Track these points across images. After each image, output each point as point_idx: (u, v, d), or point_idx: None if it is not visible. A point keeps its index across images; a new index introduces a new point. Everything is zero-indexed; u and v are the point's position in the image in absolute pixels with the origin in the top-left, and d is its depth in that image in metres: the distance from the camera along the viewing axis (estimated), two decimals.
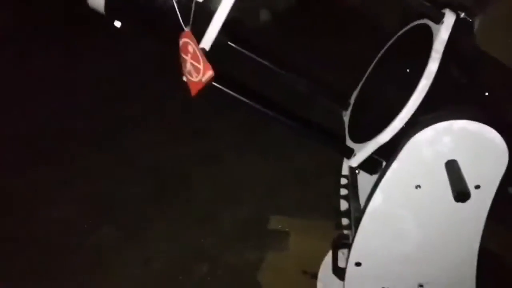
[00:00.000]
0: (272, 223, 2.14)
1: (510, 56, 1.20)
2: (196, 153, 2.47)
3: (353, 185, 1.39)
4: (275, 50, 1.36)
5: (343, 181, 1.46)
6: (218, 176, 2.35)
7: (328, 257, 1.73)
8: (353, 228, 1.28)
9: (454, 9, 1.06)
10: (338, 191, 1.48)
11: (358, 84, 1.37)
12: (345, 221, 1.40)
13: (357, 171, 1.25)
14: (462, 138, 0.99)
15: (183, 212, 2.18)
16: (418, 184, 1.06)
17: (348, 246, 1.43)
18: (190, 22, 0.90)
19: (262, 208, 2.18)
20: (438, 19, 1.04)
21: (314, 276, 1.75)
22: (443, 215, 1.12)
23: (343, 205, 1.44)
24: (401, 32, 1.23)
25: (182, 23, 0.91)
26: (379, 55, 1.30)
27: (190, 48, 0.92)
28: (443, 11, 1.06)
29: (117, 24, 1.03)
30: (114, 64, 3.04)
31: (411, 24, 1.18)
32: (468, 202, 1.00)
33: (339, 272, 1.53)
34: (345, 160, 1.39)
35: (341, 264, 1.50)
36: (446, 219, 1.13)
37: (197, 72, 0.93)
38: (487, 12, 1.74)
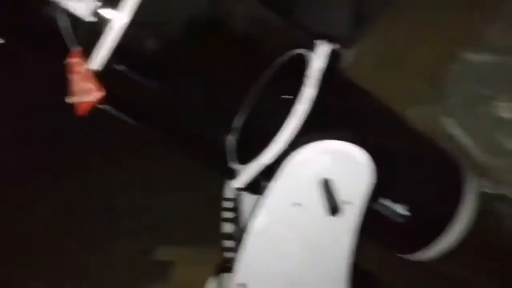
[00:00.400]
0: (158, 254, 2.12)
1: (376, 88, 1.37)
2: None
3: (235, 208, 1.46)
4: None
5: (227, 204, 1.52)
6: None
7: (209, 283, 1.79)
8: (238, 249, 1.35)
9: (328, 41, 1.16)
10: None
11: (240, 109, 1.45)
12: (230, 243, 1.44)
13: (239, 193, 1.31)
14: (335, 157, 1.07)
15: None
16: (297, 202, 1.11)
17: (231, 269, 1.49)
18: (77, 42, 0.90)
19: (150, 240, 2.18)
20: (312, 49, 1.13)
21: None
22: (319, 232, 1.17)
23: (228, 228, 1.49)
24: (277, 60, 1.32)
25: (69, 43, 0.90)
26: (259, 81, 1.39)
27: (78, 68, 0.92)
28: (316, 41, 1.15)
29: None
30: None
31: (287, 54, 1.24)
32: (341, 217, 1.11)
33: None
34: (228, 182, 1.45)
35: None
36: (322, 235, 1.18)
37: (86, 93, 0.92)
38: (359, 46, 1.95)
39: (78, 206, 2.27)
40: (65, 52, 0.92)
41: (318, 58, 1.12)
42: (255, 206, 1.14)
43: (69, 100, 0.99)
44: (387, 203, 1.22)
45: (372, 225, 1.19)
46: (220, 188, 1.50)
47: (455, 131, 1.78)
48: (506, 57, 1.70)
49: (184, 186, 2.36)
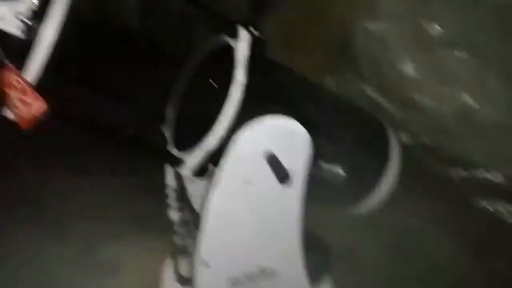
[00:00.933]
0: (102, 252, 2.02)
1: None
2: None
3: (183, 194, 1.50)
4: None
5: (170, 192, 1.56)
6: None
7: (166, 273, 1.82)
8: (194, 232, 1.40)
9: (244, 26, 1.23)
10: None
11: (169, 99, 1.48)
12: (182, 229, 1.48)
13: (181, 180, 1.36)
14: (274, 132, 1.16)
15: None
16: (247, 179, 1.19)
17: (187, 254, 1.55)
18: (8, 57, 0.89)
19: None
20: (235, 34, 1.20)
21: None
22: (271, 204, 1.27)
23: (174, 215, 1.52)
24: (202, 48, 1.36)
25: (2, 56, 0.89)
26: (185, 69, 1.40)
27: (15, 83, 0.91)
28: (236, 26, 1.22)
29: None
30: None
31: (211, 41, 1.32)
32: (289, 185, 1.20)
33: (181, 278, 1.63)
34: (169, 171, 1.48)
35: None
36: (274, 206, 1.27)
37: (27, 106, 0.92)
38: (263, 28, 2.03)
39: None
40: None
41: (243, 44, 1.19)
42: (208, 188, 1.21)
43: (9, 114, 0.99)
44: (324, 165, 1.33)
45: (315, 188, 1.27)
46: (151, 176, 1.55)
47: (371, 93, 1.96)
48: (400, 23, 1.92)
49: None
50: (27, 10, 0.88)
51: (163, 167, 1.50)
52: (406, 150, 1.57)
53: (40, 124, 0.94)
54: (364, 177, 1.47)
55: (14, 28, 0.88)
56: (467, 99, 1.93)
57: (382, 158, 1.48)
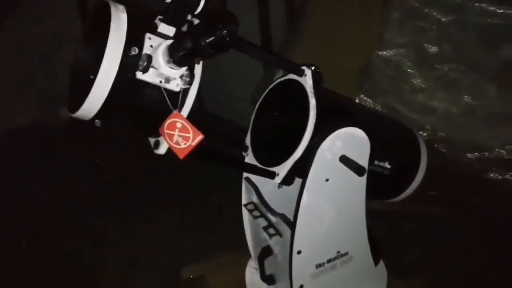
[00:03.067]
0: (184, 274, 2.20)
1: None
2: None
3: (265, 205, 1.79)
4: None
5: (249, 207, 1.83)
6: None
7: (249, 276, 2.04)
8: (282, 230, 1.67)
9: (306, 66, 1.53)
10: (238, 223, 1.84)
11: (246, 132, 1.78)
12: (272, 231, 1.69)
13: (279, 187, 1.65)
14: (346, 139, 1.45)
15: None
16: (327, 178, 1.47)
17: (271, 253, 1.81)
18: (178, 106, 1.21)
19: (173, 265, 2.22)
20: (302, 73, 1.50)
21: None
22: (343, 195, 1.55)
23: (262, 222, 1.76)
24: (272, 85, 1.65)
25: (171, 107, 1.21)
26: (258, 103, 1.69)
27: (178, 124, 1.21)
28: (302, 67, 1.51)
29: (97, 123, 1.23)
30: None
31: (280, 79, 1.61)
32: (359, 179, 1.49)
33: (268, 279, 1.89)
34: (246, 191, 1.79)
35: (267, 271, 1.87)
36: (345, 197, 1.55)
37: (186, 139, 1.21)
38: None
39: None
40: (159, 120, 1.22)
41: (309, 78, 1.49)
42: (299, 190, 1.49)
43: (162, 151, 1.29)
44: (377, 162, 1.62)
45: (370, 180, 1.55)
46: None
47: (392, 103, 2.33)
48: (406, 48, 2.35)
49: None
50: (184, 74, 1.21)
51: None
52: (428, 145, 1.88)
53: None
54: (405, 169, 1.78)
55: (175, 86, 1.21)
56: (468, 99, 2.31)
57: (415, 153, 1.80)
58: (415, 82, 2.34)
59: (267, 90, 1.68)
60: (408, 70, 2.33)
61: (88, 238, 2.39)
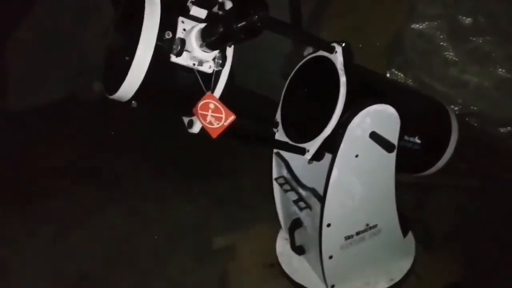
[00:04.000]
0: (215, 243, 2.21)
1: None
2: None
3: (296, 179, 1.82)
4: None
5: (280, 180, 1.85)
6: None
7: (279, 246, 2.09)
8: (312, 203, 1.70)
9: (337, 42, 1.51)
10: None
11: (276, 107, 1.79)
12: (302, 204, 1.71)
13: (309, 162, 1.68)
14: (376, 116, 1.45)
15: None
16: (356, 154, 1.49)
17: (301, 225, 1.85)
18: (211, 87, 1.24)
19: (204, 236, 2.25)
20: (332, 50, 1.49)
21: (273, 265, 2.01)
22: (373, 170, 1.56)
23: (292, 195, 1.78)
24: (303, 61, 1.65)
25: (204, 89, 1.23)
26: (288, 80, 1.70)
27: (211, 105, 1.24)
28: (332, 44, 1.50)
29: (134, 104, 1.28)
30: None
31: (311, 56, 1.61)
32: (387, 155, 1.52)
33: (298, 249, 1.95)
34: (277, 165, 1.82)
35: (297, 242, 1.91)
36: (374, 172, 1.57)
37: (219, 120, 1.24)
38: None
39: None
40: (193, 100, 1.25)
41: (340, 55, 1.48)
42: (329, 166, 1.51)
43: (195, 130, 1.33)
44: (407, 138, 1.61)
45: (400, 155, 1.56)
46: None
47: (423, 78, 2.29)
48: (438, 20, 2.27)
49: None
50: (217, 56, 1.23)
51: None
52: (460, 119, 1.85)
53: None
54: (435, 143, 1.77)
55: (207, 68, 1.23)
56: (502, 73, 2.24)
57: (446, 128, 1.78)
58: (447, 55, 2.28)
59: (297, 67, 1.68)
60: (441, 43, 2.27)
61: (120, 212, 2.46)
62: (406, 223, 1.81)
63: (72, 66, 3.56)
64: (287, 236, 1.92)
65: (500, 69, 2.21)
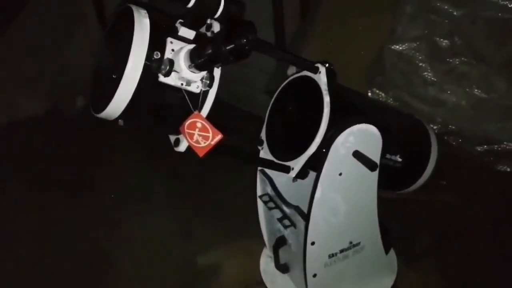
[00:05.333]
0: (199, 260, 2.21)
1: None
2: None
3: (280, 196, 1.83)
4: None
5: (264, 198, 1.84)
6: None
7: (263, 264, 2.10)
8: (296, 221, 1.70)
9: (321, 63, 1.53)
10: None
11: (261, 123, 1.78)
12: (287, 222, 1.72)
13: (293, 180, 1.69)
14: (358, 135, 1.47)
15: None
16: (340, 172, 1.50)
17: (285, 243, 1.85)
18: (199, 106, 1.25)
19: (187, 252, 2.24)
20: (316, 70, 1.52)
21: (260, 283, 2.00)
22: (356, 188, 1.58)
23: (277, 213, 1.78)
24: (287, 81, 1.67)
25: (192, 108, 1.24)
26: (273, 99, 1.72)
27: (198, 124, 1.24)
28: (316, 65, 1.52)
29: (121, 122, 1.27)
30: None
31: (295, 75, 1.63)
32: (371, 173, 1.53)
33: (282, 267, 1.94)
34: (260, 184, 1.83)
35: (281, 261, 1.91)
36: (357, 190, 1.58)
37: (206, 139, 1.24)
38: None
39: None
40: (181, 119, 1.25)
41: (323, 75, 1.50)
42: (313, 184, 1.51)
43: (182, 149, 1.33)
44: (389, 156, 1.64)
45: (382, 173, 1.57)
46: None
47: (404, 96, 2.35)
48: (417, 41, 2.35)
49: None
50: (204, 76, 1.24)
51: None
52: (439, 137, 1.90)
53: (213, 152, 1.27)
54: (416, 161, 1.80)
55: (195, 88, 1.24)
56: (478, 93, 2.30)
57: (426, 146, 1.82)
58: (426, 76, 2.33)
59: (282, 86, 1.70)
60: (420, 64, 2.32)
61: (100, 226, 2.41)
62: (388, 240, 1.83)
63: (55, 79, 3.52)
64: (271, 254, 1.92)
65: (476, 90, 2.29)
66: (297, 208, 1.68)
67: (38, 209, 2.53)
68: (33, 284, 2.13)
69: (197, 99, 1.24)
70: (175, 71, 1.15)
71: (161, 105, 1.25)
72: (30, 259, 2.24)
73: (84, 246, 2.29)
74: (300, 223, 1.64)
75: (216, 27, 1.24)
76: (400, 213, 2.19)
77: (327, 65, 1.54)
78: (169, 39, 1.17)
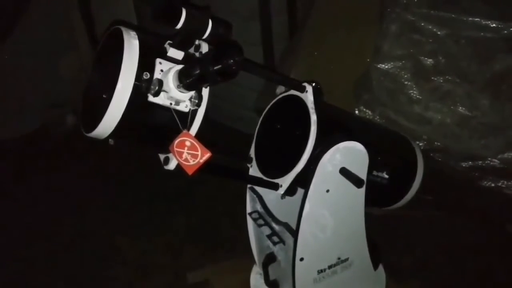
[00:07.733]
0: (190, 278, 2.22)
1: None
2: None
3: (269, 213, 1.85)
4: None
5: (254, 215, 1.90)
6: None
7: (253, 280, 2.13)
8: (285, 237, 1.72)
9: (308, 82, 1.57)
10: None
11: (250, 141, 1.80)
12: (276, 238, 1.73)
13: (282, 197, 1.71)
14: (345, 152, 1.49)
15: None
16: (327, 189, 1.52)
17: (275, 259, 1.87)
18: (187, 125, 1.27)
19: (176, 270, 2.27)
20: (303, 89, 1.55)
21: None
22: (343, 204, 1.60)
23: (266, 230, 1.81)
24: (275, 100, 1.70)
25: (181, 127, 1.26)
26: (262, 117, 1.74)
27: (187, 143, 1.26)
28: (303, 84, 1.56)
29: (111, 141, 1.29)
30: None
31: (283, 94, 1.67)
32: (358, 190, 1.56)
33: (272, 284, 1.95)
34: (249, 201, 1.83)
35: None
36: (345, 206, 1.60)
37: (195, 157, 1.26)
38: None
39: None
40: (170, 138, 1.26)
41: (310, 94, 1.54)
42: (302, 200, 1.54)
43: (171, 167, 1.34)
44: (376, 173, 1.67)
45: (369, 189, 1.59)
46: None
47: (390, 114, 2.40)
48: (402, 60, 2.44)
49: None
50: (193, 96, 1.26)
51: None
52: (424, 154, 1.93)
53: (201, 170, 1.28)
54: (402, 178, 1.83)
55: (184, 107, 1.26)
56: (462, 110, 2.36)
57: (412, 163, 1.85)
58: (412, 94, 2.39)
59: (270, 104, 1.73)
60: (405, 82, 2.38)
61: (93, 242, 2.44)
62: (377, 255, 1.84)
63: (46, 98, 3.53)
64: (261, 271, 1.92)
65: (460, 107, 2.35)
66: (286, 225, 1.70)
67: None
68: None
69: (186, 118, 1.26)
70: (164, 91, 1.17)
71: (150, 124, 1.27)
72: None
73: (72, 270, 2.29)
74: (289, 239, 1.65)
75: (205, 48, 1.27)
76: (388, 228, 2.22)
77: (313, 84, 1.57)
78: (158, 60, 1.20)
